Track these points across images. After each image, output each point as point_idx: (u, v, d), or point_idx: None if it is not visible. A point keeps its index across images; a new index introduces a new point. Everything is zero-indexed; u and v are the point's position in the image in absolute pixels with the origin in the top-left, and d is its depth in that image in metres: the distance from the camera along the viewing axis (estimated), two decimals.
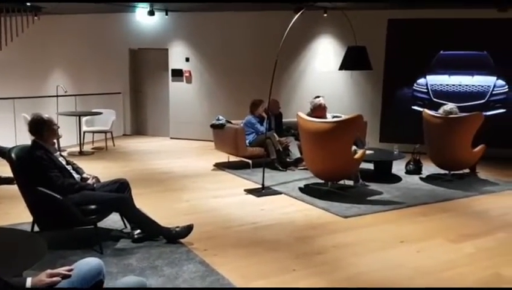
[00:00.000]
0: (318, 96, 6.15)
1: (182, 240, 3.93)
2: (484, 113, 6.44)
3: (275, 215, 4.82)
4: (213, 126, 7.25)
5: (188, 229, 3.97)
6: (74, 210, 3.61)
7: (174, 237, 3.93)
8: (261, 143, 6.57)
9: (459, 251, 3.93)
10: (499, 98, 8.22)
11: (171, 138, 9.93)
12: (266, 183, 5.83)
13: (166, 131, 10.08)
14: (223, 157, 7.35)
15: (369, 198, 5.53)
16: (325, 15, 8.36)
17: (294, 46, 8.80)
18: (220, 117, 7.26)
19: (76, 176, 4.00)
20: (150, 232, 3.96)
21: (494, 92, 8.21)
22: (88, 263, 2.14)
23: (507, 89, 8.17)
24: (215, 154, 7.63)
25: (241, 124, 7.06)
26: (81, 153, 7.98)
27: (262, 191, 5.63)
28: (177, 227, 3.97)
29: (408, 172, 6.81)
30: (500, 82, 8.18)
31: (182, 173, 6.73)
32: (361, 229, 4.47)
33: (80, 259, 2.18)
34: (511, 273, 3.48)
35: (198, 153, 8.41)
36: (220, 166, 7.15)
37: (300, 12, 5.76)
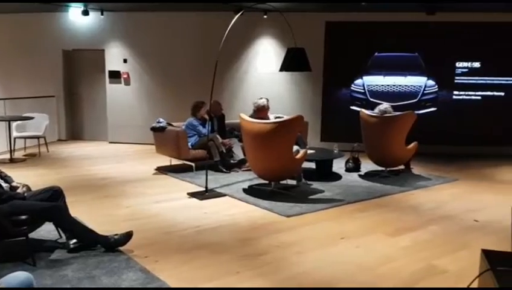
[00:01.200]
0: (262, 98, 6.19)
1: (121, 248, 3.79)
2: (416, 112, 6.76)
3: (219, 218, 4.78)
4: (153, 129, 7.09)
5: (127, 236, 3.84)
6: (3, 221, 3.38)
7: (113, 245, 3.78)
8: (203, 145, 6.50)
9: (395, 244, 4.09)
10: (430, 98, 8.68)
11: (110, 142, 9.61)
12: (210, 186, 5.78)
13: (104, 135, 9.73)
14: (165, 160, 7.20)
15: (311, 197, 5.62)
16: (265, 16, 8.45)
17: (236, 47, 8.81)
18: (161, 120, 7.11)
19: (4, 185, 3.75)
20: (87, 242, 3.78)
21: (425, 92, 8.65)
22: (17, 277, 2.01)
23: (437, 89, 8.64)
24: (156, 158, 7.47)
25: (183, 127, 6.96)
26: (12, 161, 7.52)
27: (205, 194, 5.57)
28: (116, 235, 3.83)
29: (348, 170, 7.01)
30: (431, 82, 8.64)
31: (121, 178, 6.52)
32: (303, 227, 4.53)
33: (10, 273, 2.04)
34: (443, 263, 3.65)
35: (139, 157, 8.19)
36: (161, 170, 7.00)
37: (240, 13, 5.77)
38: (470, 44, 8.43)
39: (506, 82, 8.50)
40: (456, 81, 8.62)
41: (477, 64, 8.54)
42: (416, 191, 5.99)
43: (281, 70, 6.40)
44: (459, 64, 8.58)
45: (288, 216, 4.83)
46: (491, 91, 8.57)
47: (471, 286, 1.93)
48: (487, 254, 2.01)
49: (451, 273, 3.46)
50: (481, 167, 7.53)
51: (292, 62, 6.09)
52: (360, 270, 3.52)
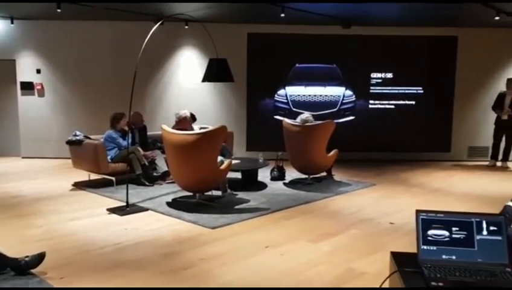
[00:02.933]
0: (184, 109, 6.11)
1: (33, 271, 3.52)
2: (336, 121, 7.04)
3: (140, 234, 4.61)
4: (69, 143, 6.72)
5: (40, 257, 3.58)
6: None
7: (24, 268, 3.50)
8: (124, 158, 6.27)
9: (318, 250, 4.18)
10: (348, 107, 9.08)
11: (23, 158, 8.98)
12: (131, 201, 5.58)
13: (17, 150, 9.08)
14: (83, 175, 6.85)
15: (237, 207, 5.61)
16: (186, 27, 8.38)
17: (157, 58, 8.66)
18: (77, 133, 6.77)
19: None
20: None
21: (344, 101, 9.04)
22: None
23: (354, 98, 9.06)
24: (74, 173, 7.08)
25: (102, 139, 6.67)
26: None
27: (126, 209, 5.35)
28: (27, 257, 3.55)
29: (273, 178, 7.11)
30: (349, 92, 9.04)
31: (34, 195, 6.09)
32: (229, 238, 4.50)
33: None
34: (362, 265, 3.79)
35: (55, 172, 7.72)
36: (79, 185, 6.65)
37: (159, 23, 5.67)
38: (383, 56, 8.96)
39: (416, 92, 9.12)
40: (371, 91, 9.10)
41: (390, 75, 9.08)
42: (338, 197, 6.20)
43: (203, 80, 6.37)
44: (373, 75, 9.07)
45: (213, 228, 4.78)
46: (403, 100, 9.14)
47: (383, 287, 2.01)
48: (395, 256, 2.10)
49: (370, 274, 3.59)
50: (397, 172, 7.97)
51: (214, 73, 6.08)
52: (283, 277, 3.55)
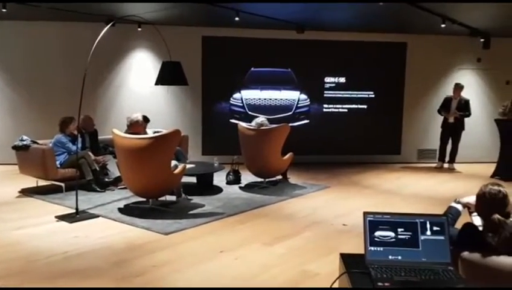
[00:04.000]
0: (136, 113, 5.99)
1: None
2: (291, 124, 7.10)
3: (91, 241, 4.46)
4: (15, 148, 6.42)
5: None
6: None
7: None
8: (73, 164, 6.05)
9: (272, 253, 4.19)
10: (303, 111, 9.20)
11: None
12: (82, 207, 5.39)
13: None
14: (31, 182, 6.56)
15: (191, 212, 5.55)
16: (139, 29, 8.22)
17: (109, 60, 8.44)
18: (24, 137, 6.47)
19: None
20: None
21: (299, 105, 9.15)
22: None
23: (309, 102, 9.19)
24: (20, 179, 6.76)
25: (50, 144, 6.42)
26: None
27: (76, 216, 5.17)
28: None
29: (229, 182, 7.08)
30: (303, 96, 9.16)
31: None
32: (183, 244, 4.43)
33: None
34: (315, 267, 3.84)
35: (0, 179, 7.35)
36: (26, 192, 6.35)
37: (110, 24, 5.53)
38: (336, 61, 9.14)
39: (368, 96, 9.36)
40: (325, 95, 9.27)
41: (343, 80, 9.27)
42: (293, 200, 6.25)
43: (156, 83, 6.26)
44: (327, 79, 9.24)
45: (167, 234, 4.70)
46: (356, 104, 9.36)
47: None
48: (344, 258, 2.13)
49: (323, 276, 3.64)
50: (350, 174, 8.14)
51: (167, 76, 6.00)
52: (237, 282, 3.53)
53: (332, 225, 5.09)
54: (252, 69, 8.95)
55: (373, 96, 9.37)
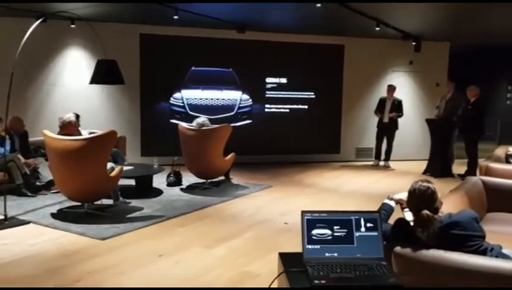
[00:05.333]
0: (68, 113, 5.72)
1: None
2: (233, 124, 7.08)
3: (21, 249, 4.20)
4: None
5: None
6: None
7: None
8: (1, 167, 5.68)
9: (213, 255, 4.14)
10: (245, 111, 9.21)
11: None
12: (11, 213, 5.08)
13: None
14: None
15: (129, 215, 5.38)
16: (73, 26, 7.86)
17: (40, 58, 8.01)
18: None
19: None
20: None
21: (240, 105, 9.15)
22: None
23: (251, 103, 9.22)
24: None
25: None
26: None
27: (5, 223, 4.86)
28: None
29: (169, 184, 6.93)
30: (245, 96, 9.18)
31: None
32: (120, 249, 4.28)
33: None
34: (256, 267, 3.84)
35: None
36: None
37: (41, 20, 5.25)
38: (277, 61, 9.23)
39: (308, 96, 9.54)
40: (267, 95, 9.34)
41: (284, 80, 9.39)
42: (235, 200, 6.23)
43: (91, 82, 6.02)
44: (268, 80, 9.31)
45: (103, 239, 4.51)
46: (297, 104, 9.51)
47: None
48: (283, 257, 2.14)
49: (264, 276, 3.64)
50: (291, 174, 8.25)
51: (103, 75, 5.78)
52: (176, 285, 3.45)
53: (275, 224, 5.13)
54: (193, 68, 8.84)
55: (313, 97, 9.56)
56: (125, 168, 5.78)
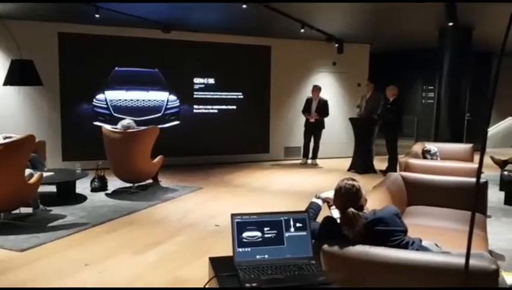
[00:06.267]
0: None
1: None
2: (161, 126, 6.92)
3: None
4: None
5: None
6: None
7: None
8: None
9: (143, 261, 4.02)
10: (173, 112, 9.04)
11: None
12: None
13: None
14: None
15: (51, 224, 5.07)
16: None
17: None
18: None
19: None
20: None
21: (168, 106, 8.97)
22: None
23: (178, 103, 9.07)
24: None
25: None
26: None
27: None
28: None
29: (94, 190, 6.63)
30: (172, 97, 9.01)
31: None
32: (42, 260, 4.02)
33: None
34: (186, 273, 3.77)
35: None
36: None
37: None
38: (204, 62, 9.16)
39: (237, 97, 9.57)
40: (195, 96, 9.23)
41: (212, 81, 9.34)
42: (164, 204, 6.09)
43: (5, 84, 5.61)
44: (196, 80, 9.22)
45: (22, 250, 4.22)
46: (226, 105, 9.51)
47: None
48: (213, 262, 2.11)
49: (195, 281, 3.58)
50: (222, 174, 8.23)
51: (18, 75, 5.41)
52: None
53: (205, 227, 5.07)
54: (116, 68, 8.52)
55: (242, 97, 9.60)
56: (45, 174, 5.45)
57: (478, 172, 1.57)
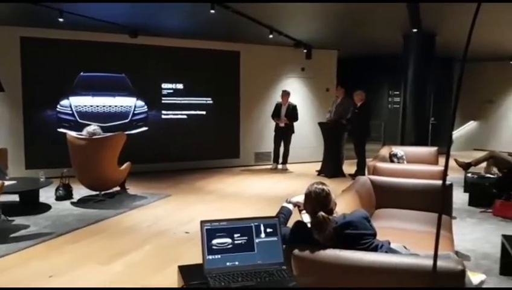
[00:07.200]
0: None
1: None
2: (129, 132, 6.77)
3: None
4: None
5: None
6: None
7: None
8: None
9: (108, 272, 3.90)
10: (141, 118, 8.89)
11: None
12: None
13: None
14: None
15: (13, 235, 4.87)
16: None
17: None
18: None
19: None
20: None
21: (135, 112, 8.81)
22: None
23: (146, 109, 8.93)
24: None
25: None
26: None
27: None
28: None
29: (58, 198, 6.43)
30: (140, 102, 8.86)
31: None
32: (4, 273, 3.85)
33: None
34: (155, 282, 3.68)
35: None
36: None
37: None
38: (172, 67, 9.06)
39: (206, 102, 9.50)
40: (163, 101, 9.11)
41: (180, 86, 9.24)
42: (132, 212, 5.96)
43: None
44: (164, 85, 9.10)
45: None
46: (195, 110, 9.42)
47: None
48: (182, 270, 2.06)
49: None
50: (192, 181, 8.13)
51: None
52: None
53: (175, 234, 4.98)
54: (82, 73, 8.31)
55: (211, 102, 9.54)
56: (6, 183, 5.23)
57: (444, 175, 1.59)
